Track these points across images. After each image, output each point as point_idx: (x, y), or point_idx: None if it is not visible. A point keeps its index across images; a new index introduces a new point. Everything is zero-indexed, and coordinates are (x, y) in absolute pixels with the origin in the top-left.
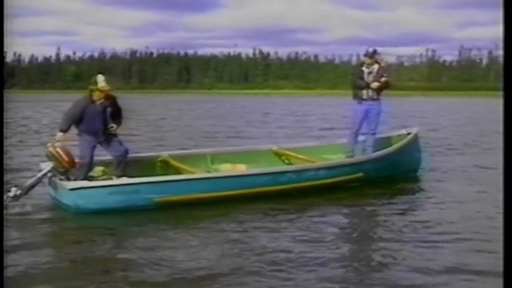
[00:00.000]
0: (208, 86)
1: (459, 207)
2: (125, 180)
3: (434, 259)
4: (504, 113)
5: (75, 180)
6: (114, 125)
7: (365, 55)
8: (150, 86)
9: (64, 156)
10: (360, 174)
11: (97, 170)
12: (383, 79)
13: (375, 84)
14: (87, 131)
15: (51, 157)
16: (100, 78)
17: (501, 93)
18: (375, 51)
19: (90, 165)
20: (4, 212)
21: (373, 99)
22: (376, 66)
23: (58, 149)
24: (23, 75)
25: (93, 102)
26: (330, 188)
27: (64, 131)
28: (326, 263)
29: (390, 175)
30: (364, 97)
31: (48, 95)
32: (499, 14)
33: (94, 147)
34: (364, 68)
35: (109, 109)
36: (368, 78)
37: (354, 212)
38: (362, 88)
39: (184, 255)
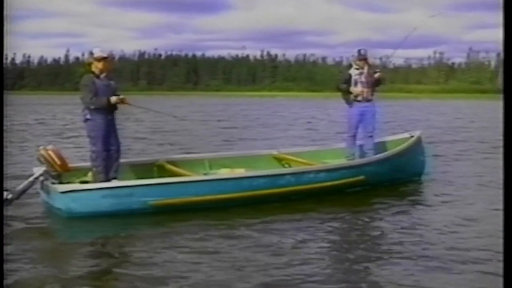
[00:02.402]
0: (216, 88)
1: (465, 216)
2: (119, 182)
3: (436, 276)
4: (504, 116)
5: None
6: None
7: (358, 57)
8: (158, 88)
9: (56, 159)
10: (362, 177)
11: (90, 174)
12: (376, 75)
13: (355, 90)
14: (103, 107)
15: (43, 160)
16: (96, 49)
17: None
18: (365, 53)
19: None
20: None
21: (367, 100)
22: (366, 67)
23: (50, 152)
24: (32, 76)
25: (97, 77)
26: (331, 192)
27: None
28: (320, 273)
29: (393, 179)
30: (359, 98)
31: (58, 97)
32: None
33: (108, 126)
34: (353, 71)
35: (112, 83)
36: (360, 78)
37: (353, 219)
38: (343, 91)
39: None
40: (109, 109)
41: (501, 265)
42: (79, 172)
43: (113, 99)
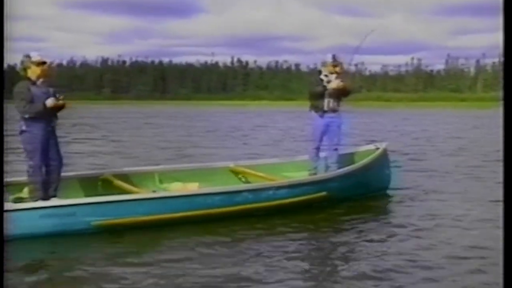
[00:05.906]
0: (185, 97)
1: (430, 233)
2: (59, 201)
3: None
4: (504, 122)
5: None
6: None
7: (323, 64)
8: (123, 97)
9: None
10: (324, 193)
11: (25, 190)
12: (335, 84)
13: (334, 83)
14: (39, 114)
15: None
16: (33, 53)
17: (487, 104)
18: (334, 59)
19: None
20: None
21: (333, 111)
22: (334, 75)
23: None
24: None
25: (34, 83)
26: (293, 209)
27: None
28: None
29: (358, 194)
30: (325, 108)
31: None
32: (492, 22)
33: (48, 138)
34: (322, 77)
35: (51, 89)
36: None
37: (313, 238)
38: (321, 93)
39: None
40: (48, 119)
41: None
42: (14, 188)
43: (50, 102)
